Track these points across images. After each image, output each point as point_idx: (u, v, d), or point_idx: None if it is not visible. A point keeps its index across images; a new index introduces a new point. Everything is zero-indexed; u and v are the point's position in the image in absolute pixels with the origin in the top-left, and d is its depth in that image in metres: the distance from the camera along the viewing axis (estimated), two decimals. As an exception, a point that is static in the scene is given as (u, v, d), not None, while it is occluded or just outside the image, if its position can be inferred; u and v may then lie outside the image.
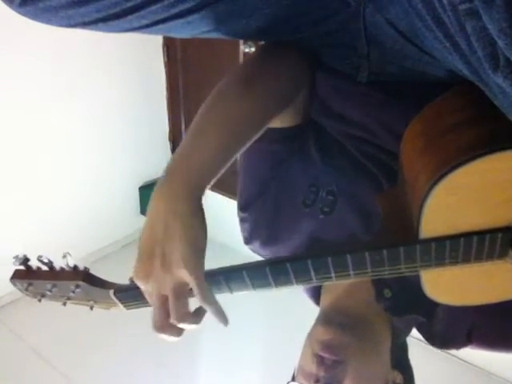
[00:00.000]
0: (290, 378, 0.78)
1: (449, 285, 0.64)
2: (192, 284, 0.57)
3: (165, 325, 0.59)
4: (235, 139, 0.63)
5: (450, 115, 0.57)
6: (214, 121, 0.63)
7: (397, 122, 0.67)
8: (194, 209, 0.57)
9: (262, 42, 0.74)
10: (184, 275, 0.56)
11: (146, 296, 0.61)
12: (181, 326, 0.60)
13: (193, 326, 0.60)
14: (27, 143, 2.41)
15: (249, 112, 0.64)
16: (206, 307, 0.60)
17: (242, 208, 0.86)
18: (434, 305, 0.69)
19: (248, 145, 0.65)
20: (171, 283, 0.56)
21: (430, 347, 0.81)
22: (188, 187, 0.57)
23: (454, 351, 2.16)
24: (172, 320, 0.59)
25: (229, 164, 0.62)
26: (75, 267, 0.69)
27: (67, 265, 0.68)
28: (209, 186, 0.60)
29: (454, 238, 0.56)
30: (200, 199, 0.58)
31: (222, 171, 0.62)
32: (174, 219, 0.56)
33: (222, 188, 0.64)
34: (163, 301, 0.58)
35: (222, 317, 0.61)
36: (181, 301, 0.57)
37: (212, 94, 0.66)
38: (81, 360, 2.23)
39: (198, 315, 0.61)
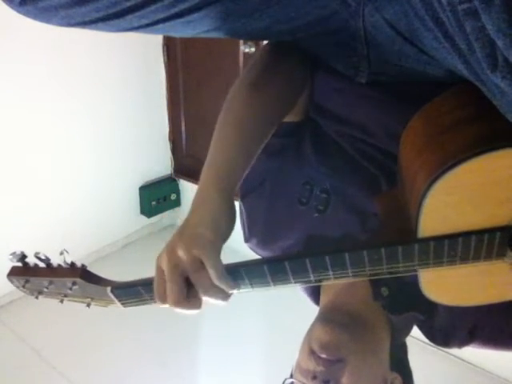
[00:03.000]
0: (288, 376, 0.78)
1: (447, 285, 0.64)
2: (208, 265, 0.59)
3: (181, 297, 0.60)
4: (252, 139, 0.68)
5: (448, 114, 0.58)
6: (231, 125, 0.69)
7: (395, 122, 0.67)
8: (225, 203, 0.63)
9: (263, 42, 0.75)
10: (202, 256, 0.59)
11: (157, 274, 0.62)
12: (206, 298, 0.62)
13: (219, 301, 0.63)
14: (27, 143, 2.42)
15: (260, 114, 0.70)
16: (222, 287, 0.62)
17: (239, 200, 0.87)
18: (434, 303, 0.69)
19: (265, 142, 0.70)
20: (190, 258, 0.59)
21: (431, 347, 0.81)
22: (219, 187, 0.64)
23: (454, 350, 2.16)
24: (199, 292, 0.61)
25: (252, 162, 0.68)
26: (72, 264, 0.68)
27: (64, 262, 0.68)
28: (238, 185, 0.66)
29: (452, 237, 0.56)
30: (231, 196, 0.64)
31: (247, 170, 0.67)
32: (209, 210, 0.62)
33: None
34: (179, 273, 0.60)
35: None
36: (201, 272, 0.59)
37: (226, 99, 0.72)
38: (81, 360, 2.23)
39: (222, 289, 0.62)
